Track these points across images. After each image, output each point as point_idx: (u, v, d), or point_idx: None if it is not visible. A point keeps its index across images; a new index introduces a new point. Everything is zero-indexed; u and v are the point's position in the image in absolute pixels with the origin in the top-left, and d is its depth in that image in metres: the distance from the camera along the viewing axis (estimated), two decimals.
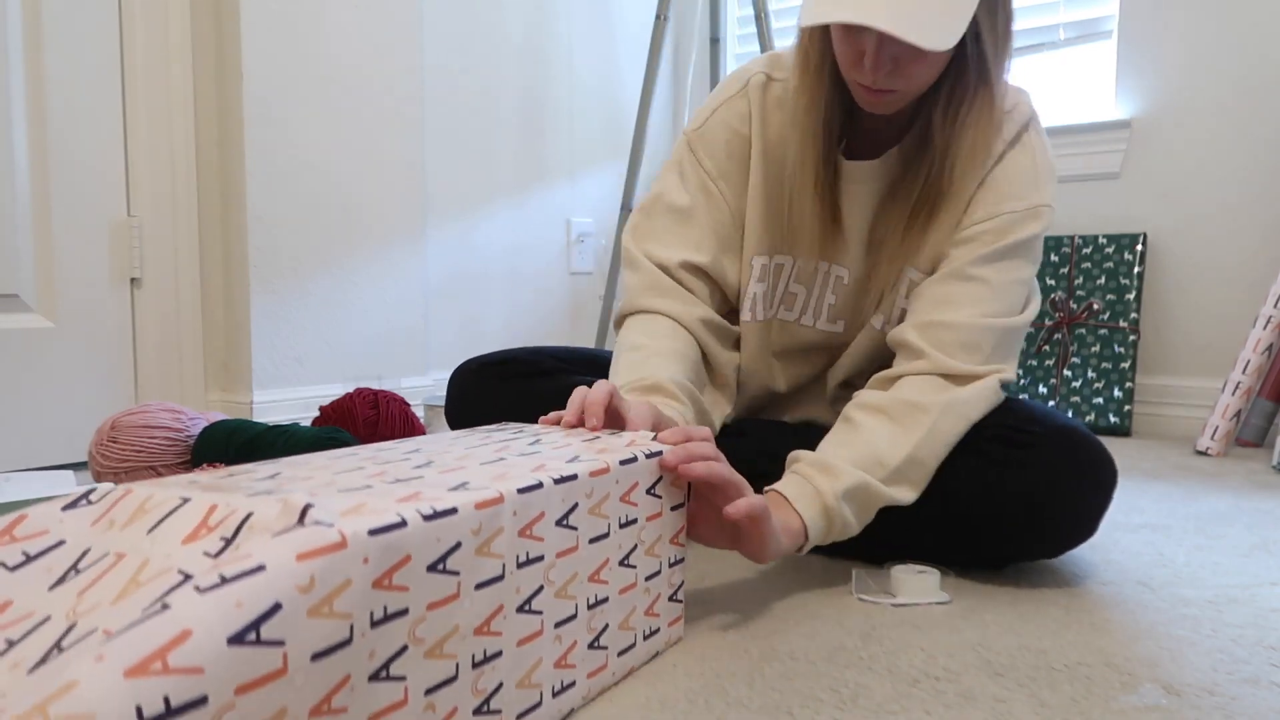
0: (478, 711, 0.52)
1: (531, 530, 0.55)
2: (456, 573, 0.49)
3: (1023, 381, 2.04)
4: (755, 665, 0.70)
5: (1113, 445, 1.79)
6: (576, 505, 0.60)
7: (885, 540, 0.95)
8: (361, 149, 1.84)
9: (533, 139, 2.31)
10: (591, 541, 0.61)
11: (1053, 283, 2.04)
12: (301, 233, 1.75)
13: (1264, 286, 1.86)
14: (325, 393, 1.76)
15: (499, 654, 0.53)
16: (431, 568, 0.47)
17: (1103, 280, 1.98)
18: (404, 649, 0.46)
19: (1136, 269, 1.95)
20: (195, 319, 1.71)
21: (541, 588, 0.57)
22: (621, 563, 0.65)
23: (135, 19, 1.61)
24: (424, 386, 1.97)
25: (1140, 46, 1.97)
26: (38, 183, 1.53)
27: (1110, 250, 1.99)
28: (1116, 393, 1.93)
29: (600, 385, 0.78)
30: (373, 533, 0.43)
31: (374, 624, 0.44)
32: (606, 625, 0.64)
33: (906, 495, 0.88)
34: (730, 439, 1.09)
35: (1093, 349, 1.97)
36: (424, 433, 1.54)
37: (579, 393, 0.78)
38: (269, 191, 1.70)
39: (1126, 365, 1.93)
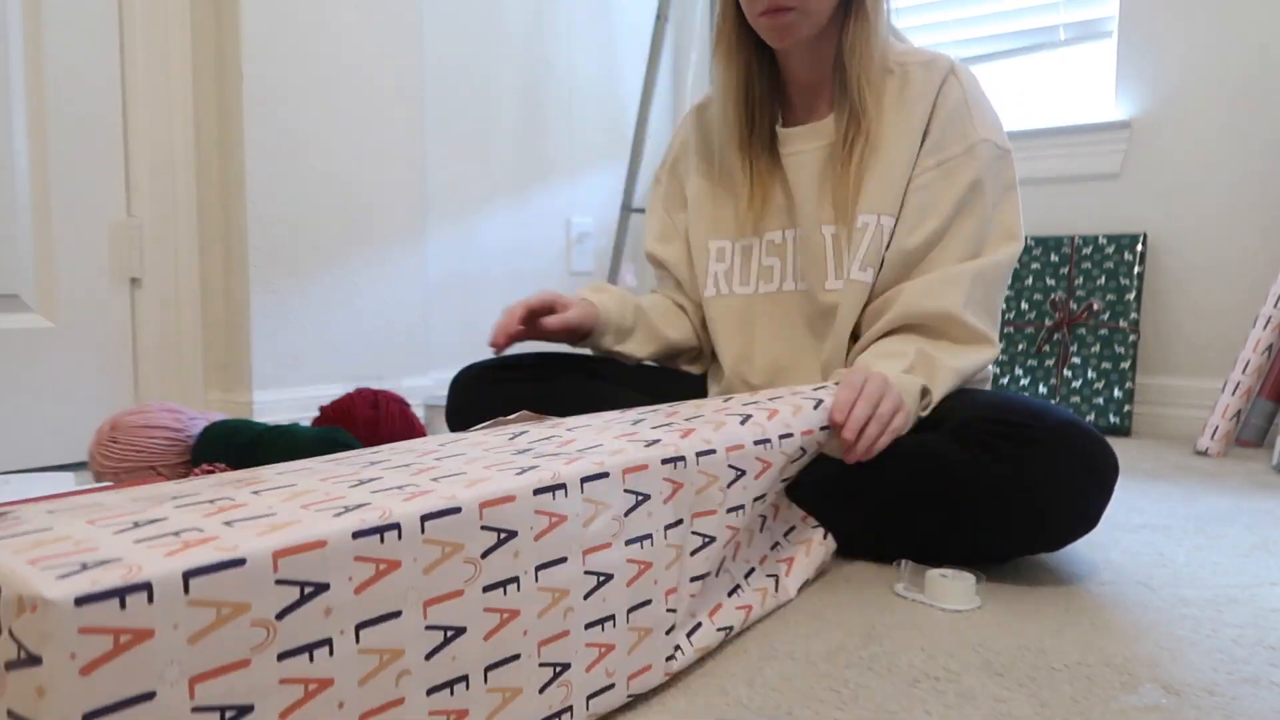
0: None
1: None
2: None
3: (1023, 381, 2.04)
4: (755, 665, 0.70)
5: (1113, 445, 1.79)
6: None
7: (890, 535, 0.95)
8: (362, 149, 1.84)
9: (533, 139, 2.31)
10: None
11: (1053, 283, 2.04)
12: (301, 233, 1.75)
13: (1264, 286, 1.86)
14: (325, 393, 1.76)
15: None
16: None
17: (1103, 280, 1.98)
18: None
19: (1136, 269, 1.95)
20: (195, 319, 1.71)
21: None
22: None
23: (135, 19, 1.61)
24: (424, 386, 1.97)
25: (1140, 46, 1.97)
26: (38, 183, 1.53)
27: (1110, 250, 1.99)
28: (1116, 393, 1.93)
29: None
30: None
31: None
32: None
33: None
34: None
35: (1093, 349, 1.97)
36: (424, 433, 1.54)
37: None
38: (269, 191, 1.70)
39: (1126, 365, 1.93)
